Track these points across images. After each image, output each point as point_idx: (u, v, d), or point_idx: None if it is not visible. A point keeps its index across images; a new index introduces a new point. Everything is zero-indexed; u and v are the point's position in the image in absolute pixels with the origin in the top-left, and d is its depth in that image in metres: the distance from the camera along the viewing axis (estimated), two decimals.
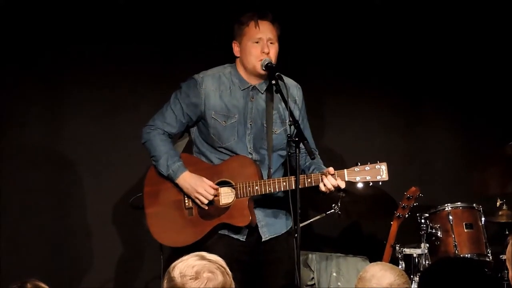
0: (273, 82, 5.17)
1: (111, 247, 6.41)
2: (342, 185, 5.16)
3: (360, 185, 5.24)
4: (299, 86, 5.42)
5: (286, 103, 5.13)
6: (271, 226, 5.35)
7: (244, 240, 5.30)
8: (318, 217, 6.07)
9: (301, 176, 5.12)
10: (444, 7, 6.72)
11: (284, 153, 5.41)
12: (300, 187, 5.02)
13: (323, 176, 5.14)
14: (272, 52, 5.30)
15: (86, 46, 6.33)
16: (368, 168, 5.19)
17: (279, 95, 5.18)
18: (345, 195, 6.02)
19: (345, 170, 5.18)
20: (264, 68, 5.25)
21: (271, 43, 5.30)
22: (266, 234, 5.33)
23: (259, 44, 5.28)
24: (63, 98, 6.37)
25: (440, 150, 6.89)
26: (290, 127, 5.09)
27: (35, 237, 6.27)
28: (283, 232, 5.39)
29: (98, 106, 6.41)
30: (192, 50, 6.39)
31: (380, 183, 5.23)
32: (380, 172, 5.20)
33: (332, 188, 5.16)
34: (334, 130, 6.77)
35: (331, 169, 5.16)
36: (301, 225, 5.08)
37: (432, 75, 6.82)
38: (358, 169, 5.19)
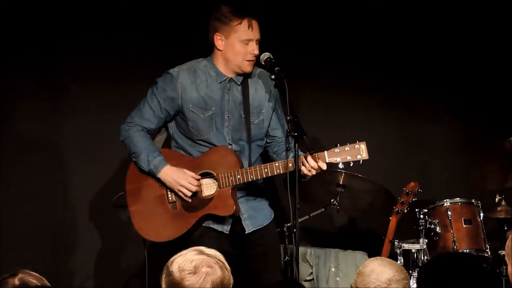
0: (273, 77, 5.18)
1: (100, 242, 6.42)
2: (324, 166, 5.14)
3: (341, 165, 5.22)
4: (272, 76, 5.31)
5: (285, 98, 5.14)
6: (254, 218, 5.39)
7: (228, 232, 5.33)
8: (316, 212, 6.07)
9: (282, 161, 5.15)
10: (442, 2, 6.71)
11: (262, 143, 5.46)
12: (281, 172, 5.09)
13: (303, 159, 5.12)
14: (257, 53, 5.32)
15: (85, 41, 6.33)
16: (348, 148, 5.18)
17: (276, 88, 5.23)
18: (343, 190, 6.03)
19: (325, 151, 5.18)
20: (263, 63, 5.28)
21: (257, 43, 5.31)
22: (249, 227, 5.36)
23: (249, 45, 5.27)
24: (61, 94, 6.37)
25: (439, 146, 6.89)
26: (289, 123, 5.09)
27: (28, 230, 6.27)
28: (265, 224, 5.42)
29: (95, 102, 6.40)
30: (190, 46, 6.37)
31: (361, 162, 5.19)
32: (360, 151, 5.18)
33: (313, 171, 5.14)
34: (333, 125, 6.77)
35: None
36: (299, 220, 5.09)
37: (431, 70, 6.82)
38: (338, 150, 5.18)
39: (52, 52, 6.31)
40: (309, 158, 5.13)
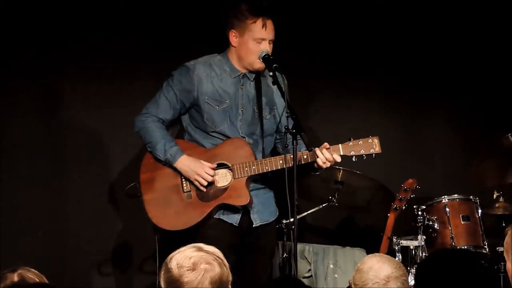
0: (271, 74, 5.22)
1: (108, 232, 6.44)
2: (338, 159, 5.27)
3: (354, 159, 5.32)
4: (283, 75, 5.38)
5: (283, 95, 5.19)
6: (262, 213, 5.47)
7: (237, 225, 5.40)
8: (315, 209, 6.07)
9: (297, 153, 5.16)
10: (442, 2, 6.71)
11: (272, 138, 5.55)
12: (296, 163, 5.09)
13: (318, 151, 5.22)
14: (270, 51, 5.37)
15: (85, 41, 6.32)
16: (361, 142, 5.32)
17: (274, 85, 5.24)
18: (342, 187, 6.03)
19: (340, 144, 5.30)
20: (261, 60, 5.31)
21: (270, 43, 5.38)
22: (257, 221, 5.45)
23: (262, 44, 5.35)
24: (61, 90, 6.37)
25: (437, 142, 6.89)
26: (287, 119, 5.12)
27: (31, 223, 6.27)
28: (270, 220, 5.51)
29: (95, 98, 6.40)
30: (190, 43, 6.38)
31: (374, 156, 5.32)
32: (373, 145, 5.33)
33: (328, 163, 5.24)
34: (332, 122, 6.77)
35: (326, 144, 5.27)
36: (298, 217, 5.11)
37: (429, 68, 6.81)
38: (352, 144, 5.32)
39: (52, 52, 6.30)
40: (324, 150, 5.24)
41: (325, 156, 5.22)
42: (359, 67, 6.73)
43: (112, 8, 6.31)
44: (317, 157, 5.21)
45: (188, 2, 6.40)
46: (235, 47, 5.41)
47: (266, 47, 5.33)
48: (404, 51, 6.76)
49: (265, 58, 5.29)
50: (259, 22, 5.34)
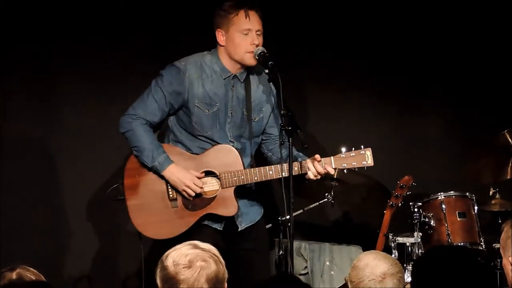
0: (266, 71, 5.16)
1: (97, 238, 6.43)
2: (331, 171, 5.19)
3: (345, 171, 5.26)
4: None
5: (279, 92, 5.12)
6: (246, 215, 5.38)
7: (221, 229, 5.31)
8: (311, 206, 6.07)
9: (287, 164, 5.10)
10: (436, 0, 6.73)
11: (259, 140, 5.45)
12: (287, 175, 5.06)
13: (309, 164, 5.15)
14: (260, 43, 5.28)
15: (78, 37, 6.32)
16: (353, 154, 5.21)
17: (270, 82, 5.21)
18: (338, 184, 6.03)
19: (331, 157, 5.20)
20: (257, 57, 5.23)
21: (258, 34, 5.27)
22: (242, 224, 5.36)
23: (248, 36, 5.24)
24: (55, 90, 6.36)
25: (433, 139, 6.90)
26: (283, 117, 5.07)
27: (22, 225, 6.26)
28: (257, 219, 5.43)
29: (88, 98, 6.39)
30: (185, 45, 6.36)
31: (366, 169, 5.25)
32: (366, 157, 5.22)
33: (319, 176, 5.17)
34: (328, 120, 6.78)
35: (317, 156, 5.17)
36: (294, 214, 5.10)
37: (425, 64, 6.82)
38: (344, 156, 5.21)
39: (45, 48, 6.29)
40: (316, 163, 5.14)
41: (317, 169, 5.14)
42: (356, 65, 6.73)
43: (108, 8, 6.31)
44: (309, 169, 5.14)
45: (185, 2, 6.40)
46: (223, 46, 5.29)
47: (253, 38, 5.22)
48: (400, 49, 6.76)
49: (261, 56, 5.21)
50: (241, 14, 5.23)
